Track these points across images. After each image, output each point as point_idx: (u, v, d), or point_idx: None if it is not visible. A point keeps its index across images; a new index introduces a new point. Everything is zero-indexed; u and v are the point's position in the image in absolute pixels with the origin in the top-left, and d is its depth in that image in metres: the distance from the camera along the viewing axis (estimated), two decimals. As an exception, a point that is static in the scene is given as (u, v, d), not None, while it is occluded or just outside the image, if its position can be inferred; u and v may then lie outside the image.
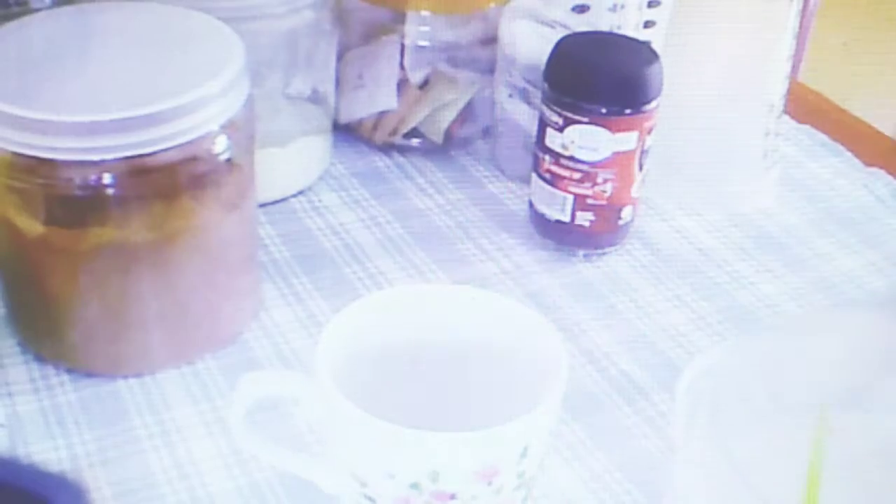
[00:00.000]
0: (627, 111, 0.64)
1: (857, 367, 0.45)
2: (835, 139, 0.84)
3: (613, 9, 0.69)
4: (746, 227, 0.74)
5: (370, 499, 0.46)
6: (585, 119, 0.64)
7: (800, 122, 0.85)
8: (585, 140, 0.65)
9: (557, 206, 0.67)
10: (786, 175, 0.78)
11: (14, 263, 0.57)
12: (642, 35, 0.70)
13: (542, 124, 0.66)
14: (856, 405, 0.44)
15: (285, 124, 0.72)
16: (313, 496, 0.50)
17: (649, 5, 0.71)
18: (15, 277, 0.58)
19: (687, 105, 0.71)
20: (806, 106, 0.88)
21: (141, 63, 0.56)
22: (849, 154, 0.82)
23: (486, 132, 0.79)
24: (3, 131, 0.51)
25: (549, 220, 0.69)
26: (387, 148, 0.79)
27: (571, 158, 0.65)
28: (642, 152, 0.66)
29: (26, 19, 0.58)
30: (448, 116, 0.77)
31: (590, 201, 0.67)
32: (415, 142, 0.78)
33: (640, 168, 0.67)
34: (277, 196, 0.72)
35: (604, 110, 0.64)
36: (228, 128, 0.55)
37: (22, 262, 0.56)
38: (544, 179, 0.67)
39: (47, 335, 0.58)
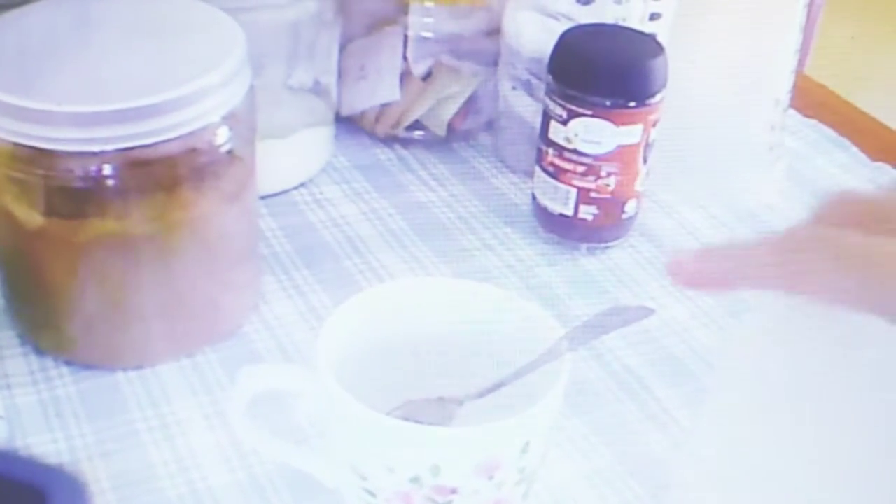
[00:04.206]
0: (632, 104, 0.64)
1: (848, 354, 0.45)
2: (841, 133, 0.83)
3: (618, 1, 0.68)
4: (751, 222, 0.73)
5: (370, 492, 0.46)
6: (589, 112, 0.64)
7: (806, 115, 0.85)
8: (589, 133, 0.64)
9: (561, 200, 0.67)
10: (791, 169, 0.78)
11: (13, 255, 0.57)
12: (647, 27, 0.69)
13: (546, 117, 0.66)
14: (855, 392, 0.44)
15: (287, 116, 0.72)
16: (313, 489, 0.50)
17: (654, -3, 0.70)
18: (14, 269, 0.57)
19: (692, 98, 0.70)
20: (812, 100, 0.87)
21: (142, 53, 0.56)
22: (855, 148, 0.82)
23: (490, 125, 0.79)
24: (3, 122, 0.51)
25: (552, 214, 0.68)
26: (389, 140, 0.78)
27: (575, 151, 0.65)
28: (647, 146, 0.66)
29: (26, 8, 0.58)
30: (451, 109, 0.77)
31: (593, 195, 0.66)
32: (417, 134, 0.78)
33: (645, 161, 0.66)
34: (278, 188, 0.72)
35: (608, 103, 0.63)
36: (229, 119, 0.55)
37: (21, 254, 0.56)
38: (547, 172, 0.67)
39: (46, 327, 0.58)
